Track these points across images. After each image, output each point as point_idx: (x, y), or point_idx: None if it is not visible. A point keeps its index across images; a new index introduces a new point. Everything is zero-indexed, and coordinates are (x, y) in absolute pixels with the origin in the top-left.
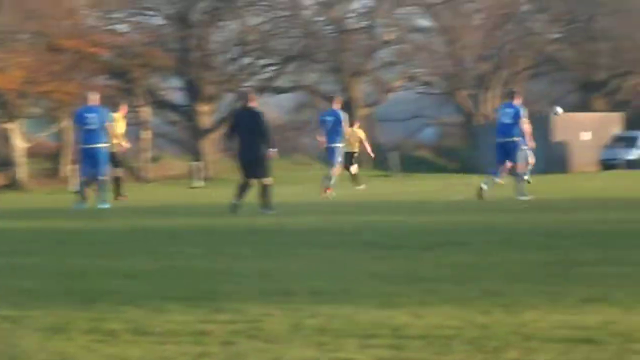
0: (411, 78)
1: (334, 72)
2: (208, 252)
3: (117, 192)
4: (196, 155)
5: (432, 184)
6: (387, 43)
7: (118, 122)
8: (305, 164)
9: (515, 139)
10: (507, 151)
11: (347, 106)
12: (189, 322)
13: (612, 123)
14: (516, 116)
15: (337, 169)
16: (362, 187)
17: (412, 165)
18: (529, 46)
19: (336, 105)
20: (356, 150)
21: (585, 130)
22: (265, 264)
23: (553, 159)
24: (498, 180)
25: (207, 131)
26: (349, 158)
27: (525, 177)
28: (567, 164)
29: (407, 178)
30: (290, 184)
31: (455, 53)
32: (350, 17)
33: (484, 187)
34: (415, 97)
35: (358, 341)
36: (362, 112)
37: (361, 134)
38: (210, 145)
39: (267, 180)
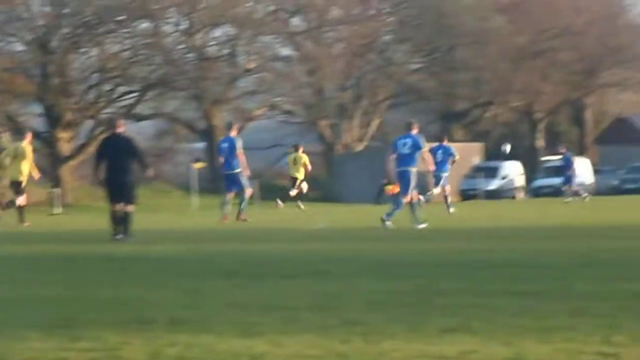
0: (272, 107)
1: (195, 100)
2: (66, 279)
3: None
4: (55, 181)
5: (292, 213)
6: (248, 71)
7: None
8: (166, 191)
9: (412, 168)
10: (406, 180)
11: (208, 134)
12: (47, 350)
13: (472, 153)
14: (415, 146)
15: (248, 192)
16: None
17: (273, 193)
18: (389, 76)
19: (232, 132)
20: (299, 176)
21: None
22: (125, 292)
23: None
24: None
25: (67, 158)
26: (292, 183)
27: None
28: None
29: (267, 206)
30: (151, 211)
31: (316, 82)
32: (212, 45)
33: (417, 226)
34: (276, 126)
35: None
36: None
37: (305, 158)
38: (70, 172)
39: (131, 207)
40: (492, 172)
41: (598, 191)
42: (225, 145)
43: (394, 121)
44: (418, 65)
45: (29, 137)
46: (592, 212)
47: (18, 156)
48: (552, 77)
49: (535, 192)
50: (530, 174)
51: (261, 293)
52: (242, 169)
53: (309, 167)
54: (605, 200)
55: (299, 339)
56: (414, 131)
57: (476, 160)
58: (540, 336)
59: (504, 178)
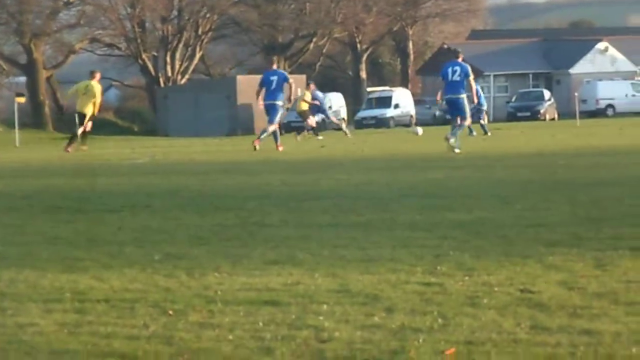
0: (94, 40)
1: (16, 34)
2: None
3: None
4: None
5: (115, 146)
6: (69, 4)
7: None
8: None
9: (463, 95)
10: (458, 107)
11: (30, 68)
12: None
13: (296, 85)
14: (464, 73)
15: (272, 127)
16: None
17: (95, 127)
18: (211, 8)
19: (274, 65)
20: (87, 111)
21: None
22: None
23: (238, 121)
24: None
25: None
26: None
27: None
28: (252, 127)
29: (91, 140)
30: None
31: (137, 15)
32: None
33: (452, 140)
34: (98, 59)
35: (41, 306)
36: (45, 74)
37: (97, 89)
38: None
39: None
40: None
41: (421, 122)
42: (274, 77)
43: (216, 54)
44: None
45: (98, 76)
46: (414, 144)
47: (87, 93)
48: (374, 8)
49: (359, 124)
50: (354, 106)
51: (83, 228)
52: (283, 103)
53: (99, 100)
54: (430, 130)
55: (123, 273)
56: (460, 59)
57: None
58: (364, 267)
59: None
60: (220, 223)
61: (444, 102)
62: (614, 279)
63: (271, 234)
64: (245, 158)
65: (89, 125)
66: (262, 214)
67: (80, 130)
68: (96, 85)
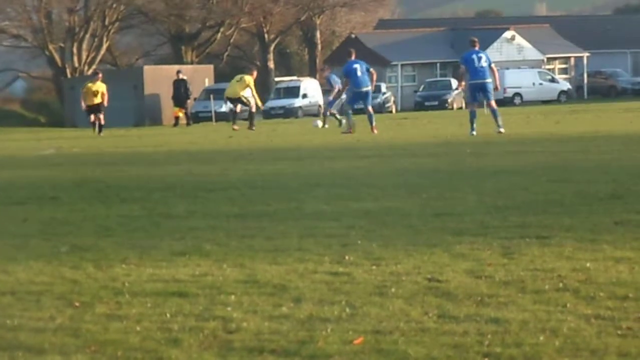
0: (0, 31)
1: None
2: None
3: None
4: None
5: (21, 138)
6: None
7: None
8: None
9: (489, 80)
10: (487, 90)
11: None
12: None
13: (204, 75)
14: (489, 61)
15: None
16: None
17: (2, 119)
18: None
19: (353, 56)
20: None
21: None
22: None
23: (146, 112)
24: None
25: None
26: None
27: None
28: (160, 117)
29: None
30: None
31: (44, 5)
32: None
33: (501, 130)
34: (4, 50)
35: None
36: None
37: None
38: None
39: None
40: (222, 94)
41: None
42: (356, 65)
43: (123, 44)
44: None
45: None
46: (321, 134)
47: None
48: None
49: (267, 114)
50: (263, 96)
51: None
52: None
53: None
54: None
55: (28, 266)
56: (477, 47)
57: (207, 82)
58: (272, 257)
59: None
60: (127, 214)
61: (469, 87)
62: (520, 267)
63: (178, 225)
64: (151, 149)
65: None
66: (168, 205)
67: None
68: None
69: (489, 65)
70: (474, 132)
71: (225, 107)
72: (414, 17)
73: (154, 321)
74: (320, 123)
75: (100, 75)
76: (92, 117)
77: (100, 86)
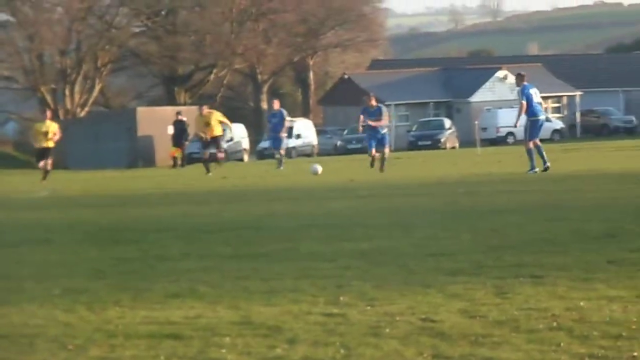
0: None
1: None
2: None
3: None
4: None
5: (14, 180)
6: None
7: None
8: None
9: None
10: (540, 128)
11: None
12: None
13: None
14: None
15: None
16: None
17: None
18: (110, 40)
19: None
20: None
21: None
22: None
23: (139, 153)
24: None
25: None
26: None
27: None
28: (153, 158)
29: None
30: None
31: (35, 47)
32: None
33: (548, 164)
34: None
35: None
36: None
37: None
38: None
39: None
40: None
41: (324, 152)
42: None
43: (116, 86)
44: (139, 29)
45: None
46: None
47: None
48: (274, 39)
49: (261, 154)
50: (256, 136)
51: None
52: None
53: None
54: (328, 160)
55: (22, 309)
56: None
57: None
58: (267, 299)
59: (229, 141)
60: (120, 256)
61: (532, 123)
62: (514, 307)
63: (172, 266)
64: (146, 190)
65: None
66: (162, 246)
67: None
68: None
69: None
70: (548, 163)
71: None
72: (406, 57)
73: None
74: (320, 169)
75: (49, 113)
76: (42, 162)
77: (50, 126)
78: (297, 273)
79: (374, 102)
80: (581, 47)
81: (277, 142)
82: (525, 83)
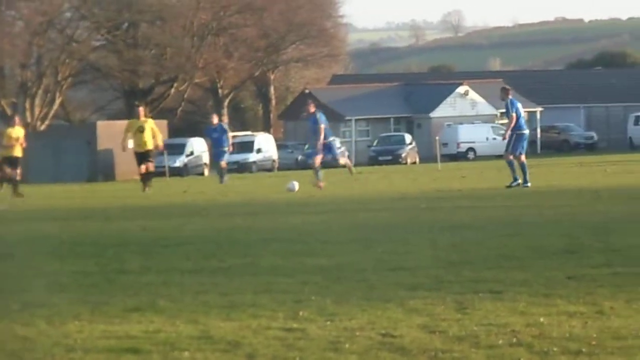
0: None
1: None
2: None
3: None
4: None
5: None
6: None
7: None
8: None
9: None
10: (525, 142)
11: None
12: None
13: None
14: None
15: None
16: None
17: None
18: (71, 54)
19: None
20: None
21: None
22: None
23: (99, 167)
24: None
25: None
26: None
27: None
28: (113, 172)
29: None
30: None
31: None
32: None
33: (519, 181)
34: None
35: None
36: None
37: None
38: None
39: None
40: (178, 149)
41: (284, 166)
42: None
43: (76, 99)
44: (100, 43)
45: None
46: (276, 188)
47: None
48: (235, 53)
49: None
50: None
51: None
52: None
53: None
54: (290, 175)
55: None
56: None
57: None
58: (226, 313)
59: (189, 155)
60: (81, 270)
61: (520, 137)
62: (474, 322)
63: (131, 280)
64: (105, 204)
65: None
66: (122, 260)
67: None
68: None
69: None
70: (529, 184)
71: (179, 162)
72: (368, 72)
73: None
74: (297, 186)
75: (17, 119)
76: (9, 170)
77: (20, 132)
78: (257, 288)
79: (312, 109)
80: (542, 62)
81: (219, 155)
82: (511, 97)
